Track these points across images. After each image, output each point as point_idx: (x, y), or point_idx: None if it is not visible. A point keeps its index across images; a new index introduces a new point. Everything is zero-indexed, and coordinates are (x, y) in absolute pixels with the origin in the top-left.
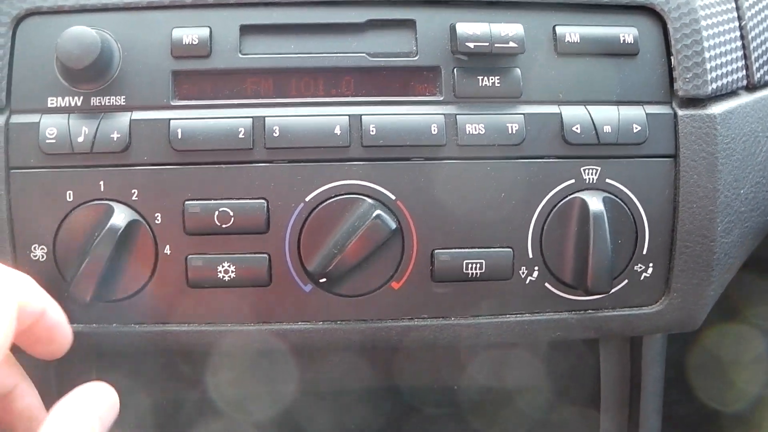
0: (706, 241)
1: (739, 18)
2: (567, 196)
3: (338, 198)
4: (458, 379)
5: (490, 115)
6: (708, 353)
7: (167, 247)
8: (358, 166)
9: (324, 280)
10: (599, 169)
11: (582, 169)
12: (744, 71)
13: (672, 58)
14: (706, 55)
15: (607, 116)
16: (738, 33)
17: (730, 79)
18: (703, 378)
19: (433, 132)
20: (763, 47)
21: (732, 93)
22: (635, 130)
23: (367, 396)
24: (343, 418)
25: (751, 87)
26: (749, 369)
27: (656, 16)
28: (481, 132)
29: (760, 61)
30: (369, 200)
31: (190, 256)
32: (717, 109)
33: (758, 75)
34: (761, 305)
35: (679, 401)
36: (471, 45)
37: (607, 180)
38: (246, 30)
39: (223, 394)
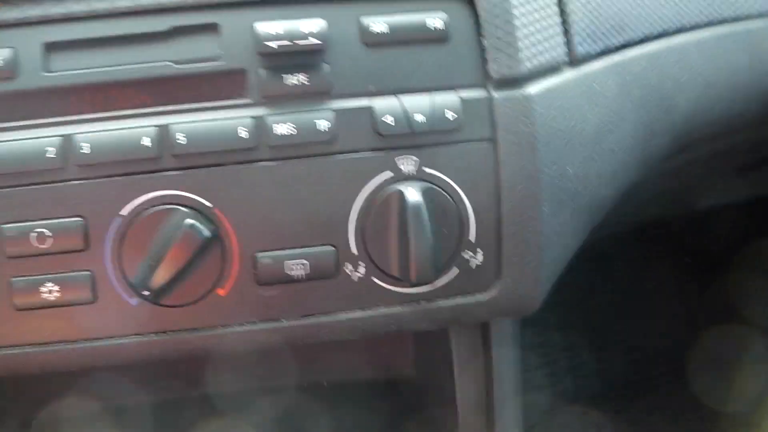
0: (534, 223)
1: None
2: (385, 189)
3: (154, 209)
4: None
5: (299, 114)
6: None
7: None
8: (171, 176)
9: (148, 292)
10: (416, 159)
11: (397, 160)
12: (565, 46)
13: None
14: (518, 34)
15: (419, 104)
16: (556, 8)
17: (548, 56)
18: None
19: (242, 135)
20: (585, 20)
21: (553, 69)
22: (450, 117)
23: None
24: None
25: (574, 62)
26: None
27: None
28: (291, 132)
29: (582, 34)
30: (183, 209)
31: (13, 279)
32: (534, 88)
33: (580, 49)
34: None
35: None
36: (273, 44)
37: (425, 169)
38: (50, 47)
39: None
